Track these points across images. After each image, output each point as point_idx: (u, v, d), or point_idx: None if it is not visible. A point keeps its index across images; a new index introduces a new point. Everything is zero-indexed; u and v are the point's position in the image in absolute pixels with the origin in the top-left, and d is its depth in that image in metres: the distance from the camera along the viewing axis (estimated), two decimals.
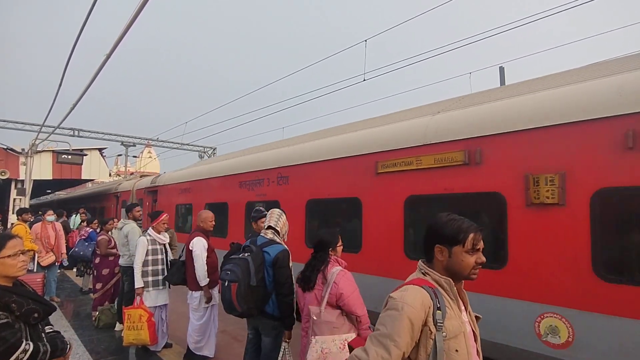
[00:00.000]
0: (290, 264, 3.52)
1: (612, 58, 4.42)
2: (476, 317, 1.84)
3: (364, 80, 9.98)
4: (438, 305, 1.60)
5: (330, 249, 3.29)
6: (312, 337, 3.00)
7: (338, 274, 3.12)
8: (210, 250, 4.98)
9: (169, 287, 5.35)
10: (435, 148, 4.57)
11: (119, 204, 17.01)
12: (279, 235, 3.65)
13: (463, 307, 1.76)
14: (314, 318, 3.05)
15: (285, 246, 3.58)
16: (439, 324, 1.58)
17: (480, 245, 1.71)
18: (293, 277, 3.50)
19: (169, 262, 5.37)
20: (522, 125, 3.89)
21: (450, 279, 1.70)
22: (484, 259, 1.71)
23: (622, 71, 3.65)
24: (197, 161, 13.34)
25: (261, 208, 4.58)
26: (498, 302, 3.94)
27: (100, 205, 20.36)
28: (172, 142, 24.61)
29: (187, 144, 25.22)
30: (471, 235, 1.68)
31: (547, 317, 3.62)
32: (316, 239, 3.37)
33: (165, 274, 5.24)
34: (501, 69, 10.86)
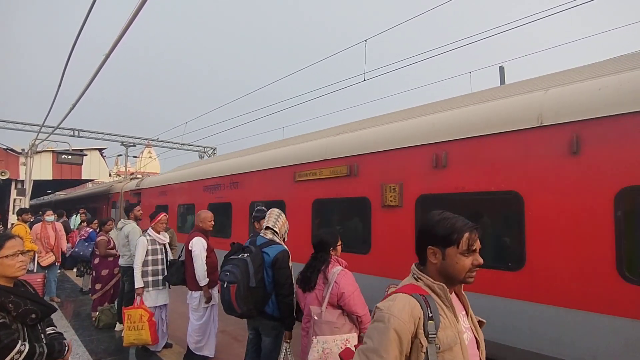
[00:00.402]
0: (291, 264, 3.52)
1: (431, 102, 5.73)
2: (479, 321, 1.71)
3: (364, 80, 9.96)
4: (430, 315, 1.45)
5: (330, 248, 3.29)
6: (313, 337, 2.99)
7: (339, 273, 3.11)
8: (210, 250, 4.98)
9: (169, 287, 5.34)
10: (330, 163, 6.01)
11: (110, 205, 18.13)
12: (278, 235, 3.65)
13: (463, 313, 1.64)
14: (315, 318, 3.04)
15: (285, 246, 3.57)
16: (431, 336, 1.43)
17: (477, 245, 1.56)
18: (293, 277, 3.50)
19: (168, 262, 5.37)
20: (379, 148, 5.31)
21: (444, 285, 1.55)
22: (481, 260, 1.56)
23: (434, 111, 5.11)
24: (177, 166, 13.97)
25: (263, 208, 4.57)
26: (364, 279, 4.83)
27: (93, 206, 20.76)
28: (172, 142, 24.60)
29: (187, 144, 25.21)
30: (466, 235, 1.54)
31: None
32: (316, 239, 3.36)
33: (166, 274, 5.24)
34: (501, 69, 10.86)
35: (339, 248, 3.38)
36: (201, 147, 25.57)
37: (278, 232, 3.65)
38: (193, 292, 4.91)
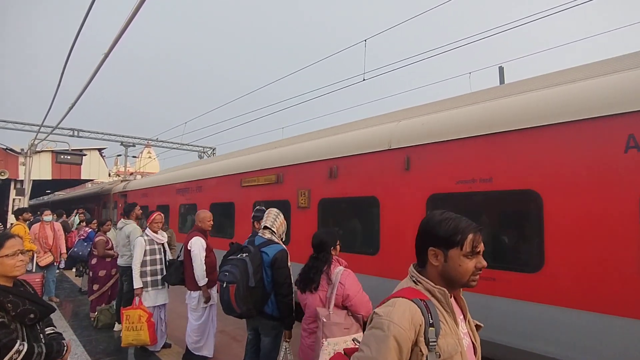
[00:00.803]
0: (289, 264, 3.51)
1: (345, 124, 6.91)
2: (477, 325, 1.65)
3: (364, 80, 9.95)
4: (431, 322, 1.38)
5: (331, 248, 3.27)
6: (323, 339, 2.94)
7: (342, 274, 3.10)
8: (209, 250, 4.97)
9: (168, 287, 5.33)
10: (265, 172, 7.45)
11: (101, 205, 19.34)
12: (276, 235, 3.64)
13: (462, 317, 1.58)
14: (324, 320, 3.00)
15: (284, 246, 3.57)
16: (431, 344, 1.36)
17: (481, 247, 1.48)
18: (292, 277, 3.48)
19: (167, 262, 5.35)
20: (296, 162, 6.69)
21: (445, 289, 1.48)
22: (484, 263, 1.49)
23: (333, 134, 6.45)
24: (159, 171, 14.81)
25: (262, 208, 4.57)
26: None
27: (86, 207, 20.95)
28: (172, 142, 24.58)
29: (186, 144, 25.19)
30: (470, 236, 1.46)
31: None
32: (316, 239, 3.32)
33: (164, 273, 5.22)
34: (501, 69, 10.85)
35: (338, 247, 3.36)
36: (200, 147, 25.56)
37: (276, 231, 3.65)
38: (192, 292, 4.90)
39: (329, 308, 3.03)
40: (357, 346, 1.91)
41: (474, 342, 1.58)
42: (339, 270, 3.12)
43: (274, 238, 3.58)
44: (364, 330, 3.04)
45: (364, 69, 9.64)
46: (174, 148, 24.90)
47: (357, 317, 3.09)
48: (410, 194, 4.81)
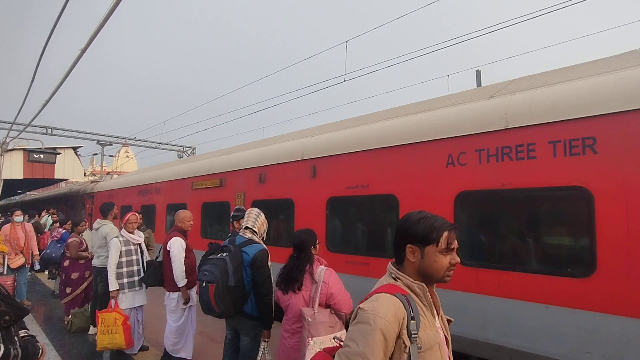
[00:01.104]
0: (270, 263, 3.51)
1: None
2: (448, 320, 1.73)
3: (345, 80, 10.01)
4: (412, 315, 1.45)
5: (312, 247, 3.27)
6: (309, 339, 2.94)
7: (325, 272, 3.12)
8: (189, 251, 4.90)
9: (146, 288, 5.23)
10: (211, 177, 8.42)
11: (70, 206, 19.75)
12: (257, 234, 3.63)
13: (435, 312, 1.64)
14: (309, 320, 2.99)
15: (264, 246, 3.56)
16: (413, 336, 1.43)
17: (455, 244, 1.58)
18: (272, 276, 3.48)
19: (144, 263, 5.25)
20: (234, 168, 7.75)
21: (424, 284, 1.56)
22: (458, 259, 1.59)
23: (263, 145, 7.57)
24: (129, 172, 15.01)
25: (242, 207, 4.57)
26: None
27: (57, 207, 20.54)
28: (150, 142, 24.07)
29: (165, 144, 24.72)
30: (445, 234, 1.55)
31: None
32: (297, 239, 3.31)
33: (142, 274, 5.12)
34: (478, 72, 11.09)
35: (318, 246, 3.38)
36: (180, 146, 25.11)
37: (257, 231, 3.64)
38: (171, 293, 4.82)
39: (313, 307, 3.04)
40: (337, 345, 1.94)
41: (447, 336, 1.67)
42: (321, 269, 3.14)
43: (254, 238, 3.58)
44: (346, 329, 3.07)
45: (345, 69, 9.69)
46: (152, 147, 24.40)
47: (339, 315, 3.12)
48: (315, 197, 5.83)
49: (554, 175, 3.56)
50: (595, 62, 4.07)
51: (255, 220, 3.67)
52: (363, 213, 5.57)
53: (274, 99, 13.76)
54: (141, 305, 5.25)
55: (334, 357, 1.54)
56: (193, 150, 25.21)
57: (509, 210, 4.13)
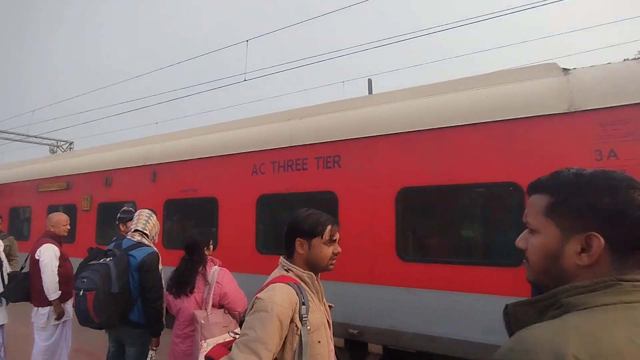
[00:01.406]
0: (160, 267, 3.35)
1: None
2: (329, 306, 1.96)
3: (245, 80, 9.96)
4: (303, 301, 1.66)
5: (205, 248, 3.25)
6: (202, 341, 2.86)
7: (219, 273, 3.11)
8: (64, 259, 4.36)
9: (7, 304, 4.51)
10: (57, 179, 8.40)
11: None
12: (148, 237, 3.44)
13: (320, 298, 1.87)
14: (202, 322, 2.96)
15: (155, 248, 3.39)
16: (304, 319, 1.64)
17: (337, 237, 1.84)
18: (163, 280, 3.33)
19: (5, 276, 4.52)
20: (80, 171, 7.90)
21: (312, 273, 1.79)
22: (339, 249, 1.85)
23: (108, 150, 7.86)
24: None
25: (130, 209, 4.25)
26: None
27: None
28: (14, 133, 20.52)
29: (34, 136, 21.34)
30: (328, 227, 1.79)
31: None
32: (190, 240, 3.26)
33: (1, 289, 4.40)
34: (369, 81, 12.04)
35: (211, 247, 3.36)
36: (54, 140, 21.93)
37: (148, 234, 3.46)
38: (40, 308, 4.23)
39: (206, 309, 3.02)
40: (232, 338, 2.07)
41: (328, 320, 1.90)
42: (215, 270, 3.13)
43: (144, 241, 3.39)
44: (241, 327, 3.11)
45: (245, 68, 9.64)
46: (17, 140, 20.84)
47: (233, 315, 3.14)
48: (155, 199, 6.37)
49: (317, 183, 4.76)
50: (347, 100, 5.25)
51: (146, 223, 3.47)
52: (193, 213, 6.43)
53: (168, 93, 12.96)
54: (1, 325, 4.51)
55: (230, 349, 1.64)
56: (70, 145, 22.23)
57: (291, 209, 4.80)
